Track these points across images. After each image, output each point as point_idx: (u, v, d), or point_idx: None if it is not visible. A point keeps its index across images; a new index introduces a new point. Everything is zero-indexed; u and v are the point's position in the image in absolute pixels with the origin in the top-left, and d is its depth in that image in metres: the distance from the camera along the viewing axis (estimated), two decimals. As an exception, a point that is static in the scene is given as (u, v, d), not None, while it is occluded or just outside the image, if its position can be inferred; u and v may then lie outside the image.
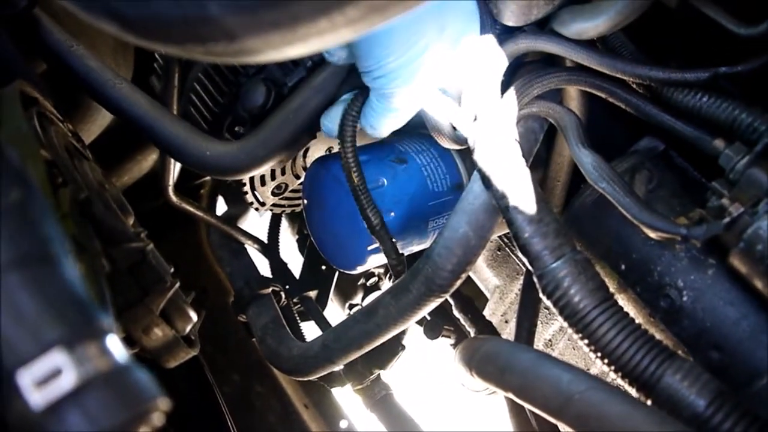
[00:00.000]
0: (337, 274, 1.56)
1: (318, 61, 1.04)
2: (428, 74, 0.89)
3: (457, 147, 0.98)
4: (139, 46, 0.53)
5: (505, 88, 0.92)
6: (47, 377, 0.42)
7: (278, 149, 1.04)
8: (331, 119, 1.01)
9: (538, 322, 1.16)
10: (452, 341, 1.49)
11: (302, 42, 0.48)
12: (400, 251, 1.10)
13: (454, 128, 0.96)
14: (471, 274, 0.98)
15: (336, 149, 1.21)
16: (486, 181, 0.83)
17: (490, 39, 0.91)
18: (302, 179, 1.22)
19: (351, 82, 1.02)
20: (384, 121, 0.96)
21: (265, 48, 0.49)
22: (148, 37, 0.50)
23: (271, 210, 1.32)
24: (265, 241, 1.57)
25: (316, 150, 1.22)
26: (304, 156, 1.23)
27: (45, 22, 1.07)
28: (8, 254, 0.45)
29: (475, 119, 0.88)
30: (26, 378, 0.42)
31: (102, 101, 1.08)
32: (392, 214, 1.06)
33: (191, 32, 0.47)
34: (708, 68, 0.81)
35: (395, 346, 1.34)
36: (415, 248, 1.13)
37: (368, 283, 1.73)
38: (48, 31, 1.07)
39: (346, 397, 1.76)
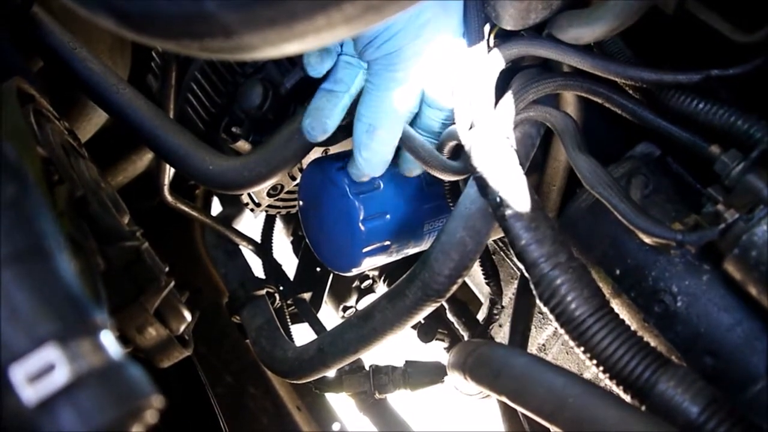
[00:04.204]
0: (331, 276, 1.56)
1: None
2: (431, 38, 0.90)
3: (450, 178, 0.96)
4: (136, 41, 0.53)
5: (501, 93, 0.92)
6: (40, 372, 0.42)
7: (280, 167, 1.04)
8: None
9: (532, 327, 1.16)
10: (446, 344, 1.49)
11: (299, 39, 0.48)
12: (396, 254, 1.10)
13: (444, 159, 0.95)
14: (465, 277, 0.98)
15: (332, 151, 1.21)
16: (482, 189, 0.83)
17: (483, 44, 0.92)
18: (298, 181, 1.22)
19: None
20: (387, 101, 0.94)
21: (262, 45, 0.49)
22: (145, 33, 0.50)
23: (267, 211, 1.32)
24: (260, 243, 1.57)
25: (313, 152, 1.22)
26: (301, 157, 1.23)
27: (46, 22, 1.06)
28: (3, 249, 0.45)
29: (471, 126, 0.88)
30: (19, 373, 0.42)
31: (104, 106, 1.07)
32: (388, 216, 1.06)
33: (188, 28, 0.47)
34: (700, 70, 0.81)
35: None
36: (411, 251, 1.13)
37: (362, 286, 1.73)
38: (50, 31, 1.06)
39: (339, 399, 1.76)
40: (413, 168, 1.04)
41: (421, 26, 0.89)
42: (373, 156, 0.96)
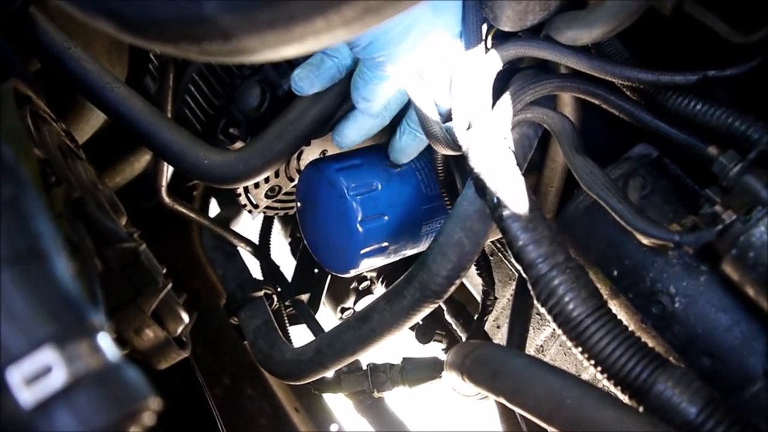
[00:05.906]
0: (329, 277, 1.56)
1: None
2: (420, 38, 0.91)
3: (453, 153, 0.97)
4: (134, 45, 0.53)
5: (499, 94, 0.92)
6: (37, 375, 0.42)
7: (275, 159, 1.04)
8: (345, 135, 1.04)
9: (530, 328, 1.16)
10: (444, 346, 1.49)
11: (298, 42, 0.48)
12: (394, 255, 1.10)
13: (449, 134, 0.96)
14: (463, 279, 0.98)
15: (330, 152, 1.21)
16: (479, 190, 0.83)
17: (480, 45, 0.92)
18: (296, 182, 1.22)
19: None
20: (377, 90, 0.97)
21: (261, 48, 0.49)
22: (144, 37, 0.50)
23: (265, 212, 1.32)
24: (257, 244, 1.57)
25: (310, 153, 1.22)
26: (298, 159, 1.23)
27: (41, 22, 1.06)
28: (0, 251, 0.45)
29: (469, 126, 0.88)
30: (16, 376, 0.41)
31: (99, 105, 1.07)
32: (385, 217, 1.06)
33: (186, 31, 0.47)
34: (697, 71, 0.81)
35: None
36: (408, 252, 1.13)
37: (360, 287, 1.73)
38: (44, 31, 1.06)
39: (336, 400, 1.76)
40: (401, 157, 1.07)
41: (403, 31, 0.90)
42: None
